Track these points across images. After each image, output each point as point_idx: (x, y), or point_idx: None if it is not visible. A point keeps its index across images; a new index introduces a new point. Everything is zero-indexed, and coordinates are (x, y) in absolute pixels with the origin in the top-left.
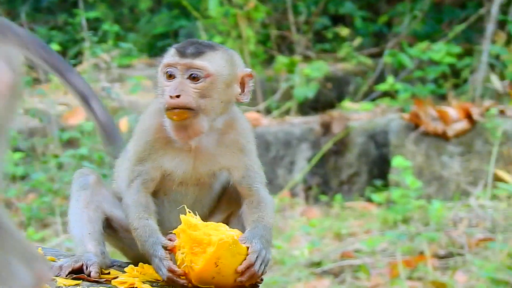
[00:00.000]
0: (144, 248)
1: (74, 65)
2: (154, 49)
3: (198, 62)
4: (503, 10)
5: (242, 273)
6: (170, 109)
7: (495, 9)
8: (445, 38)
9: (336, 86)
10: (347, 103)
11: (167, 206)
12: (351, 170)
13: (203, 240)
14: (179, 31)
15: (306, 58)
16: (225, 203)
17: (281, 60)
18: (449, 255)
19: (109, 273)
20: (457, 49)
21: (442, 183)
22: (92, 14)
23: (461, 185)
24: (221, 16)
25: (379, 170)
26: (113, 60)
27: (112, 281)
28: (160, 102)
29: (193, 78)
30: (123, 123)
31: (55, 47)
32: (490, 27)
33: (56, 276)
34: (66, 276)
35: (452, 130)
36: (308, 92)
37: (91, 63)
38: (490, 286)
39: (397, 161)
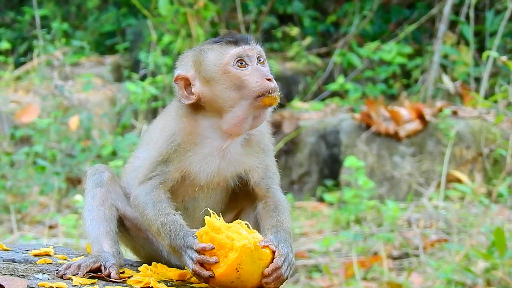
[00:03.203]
0: (174, 242)
1: (24, 62)
2: (101, 47)
3: (258, 48)
4: (454, 10)
5: (268, 275)
6: (272, 92)
7: (447, 9)
8: (395, 39)
9: (285, 85)
10: (297, 103)
11: (183, 213)
12: (302, 170)
13: (226, 245)
14: (127, 30)
15: None
16: (234, 202)
17: None
18: (404, 256)
19: (123, 272)
20: (408, 49)
21: (393, 183)
22: (41, 12)
23: (412, 186)
24: (171, 15)
25: (330, 170)
26: (64, 58)
27: (128, 280)
28: (247, 91)
29: (261, 61)
30: (74, 122)
31: (4, 44)
32: (441, 27)
33: (74, 275)
34: (84, 275)
35: (404, 130)
36: None
37: (43, 60)
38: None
39: (350, 161)
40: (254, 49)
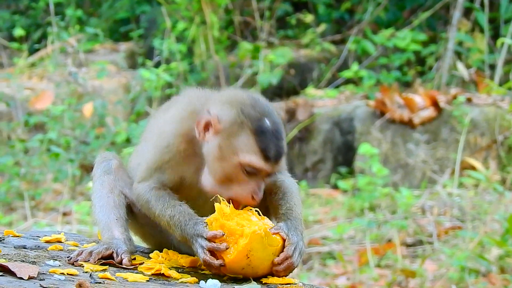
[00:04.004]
0: (185, 232)
1: (38, 49)
2: (115, 34)
3: (279, 166)
4: None
5: (278, 264)
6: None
7: None
8: (409, 26)
9: (299, 72)
10: (311, 90)
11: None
12: (316, 157)
13: (236, 231)
14: (141, 17)
15: (270, 45)
16: None
17: (245, 46)
18: (418, 243)
19: (134, 259)
20: (422, 37)
21: (407, 170)
22: None
23: (427, 173)
24: (185, 2)
25: (344, 157)
26: (78, 45)
27: (139, 267)
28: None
29: (269, 176)
30: (88, 109)
31: (19, 31)
32: (456, 14)
33: (85, 261)
34: (95, 262)
35: (418, 117)
36: (272, 78)
37: (57, 47)
38: (461, 275)
39: (364, 148)
40: (275, 166)
